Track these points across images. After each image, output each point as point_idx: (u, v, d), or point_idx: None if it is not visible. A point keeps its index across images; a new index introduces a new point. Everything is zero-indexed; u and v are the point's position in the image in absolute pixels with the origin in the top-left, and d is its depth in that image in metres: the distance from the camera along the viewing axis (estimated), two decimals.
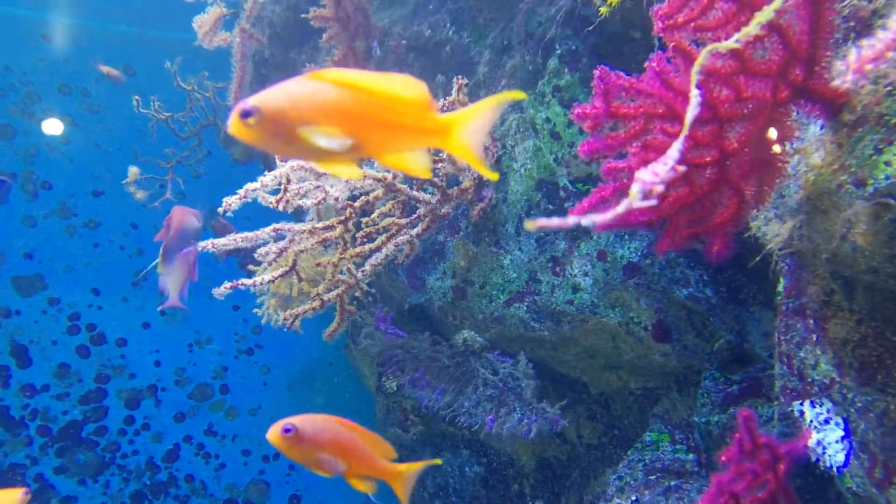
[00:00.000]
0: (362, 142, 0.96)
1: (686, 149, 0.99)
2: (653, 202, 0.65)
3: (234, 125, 0.90)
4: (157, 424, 4.75)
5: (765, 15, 0.73)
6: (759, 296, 1.88)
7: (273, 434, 1.35)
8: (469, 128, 0.99)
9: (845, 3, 0.91)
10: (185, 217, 2.36)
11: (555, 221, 0.66)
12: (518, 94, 1.04)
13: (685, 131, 0.71)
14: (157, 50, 4.60)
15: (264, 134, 0.91)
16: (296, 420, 1.37)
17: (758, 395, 1.83)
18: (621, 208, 0.67)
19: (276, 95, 0.91)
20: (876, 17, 0.88)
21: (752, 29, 0.74)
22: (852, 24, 0.91)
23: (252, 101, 0.90)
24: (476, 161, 1.01)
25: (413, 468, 1.49)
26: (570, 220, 0.67)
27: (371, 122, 0.94)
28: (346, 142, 0.94)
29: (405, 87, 0.95)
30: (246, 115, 0.88)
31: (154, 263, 2.55)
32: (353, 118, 0.93)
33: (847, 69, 0.74)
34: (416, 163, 1.02)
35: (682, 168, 0.66)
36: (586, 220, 0.67)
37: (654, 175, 0.68)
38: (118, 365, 4.74)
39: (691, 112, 0.71)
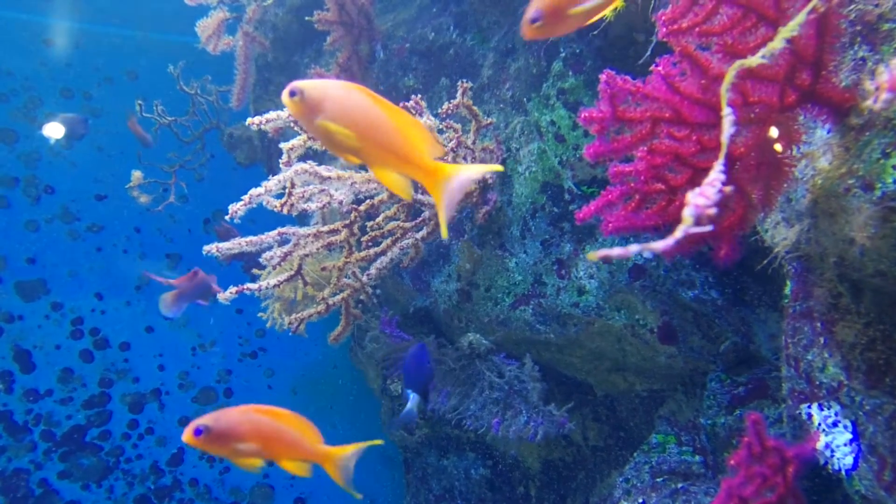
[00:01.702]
0: (365, 151, 1.17)
1: (695, 152, 0.99)
2: (708, 228, 0.64)
3: (284, 97, 1.14)
4: (161, 428, 4.75)
5: (789, 30, 0.73)
6: (765, 297, 1.88)
7: (187, 436, 1.33)
8: (453, 181, 1.16)
9: (851, 7, 0.91)
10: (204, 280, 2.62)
11: (616, 251, 0.64)
12: (497, 168, 1.27)
13: (724, 149, 0.71)
14: (160, 54, 4.60)
15: (300, 111, 1.14)
16: (208, 419, 1.35)
17: (764, 397, 1.83)
18: (679, 234, 0.65)
19: (318, 88, 1.14)
20: (882, 21, 0.88)
21: (777, 44, 0.74)
22: (858, 28, 0.91)
23: (300, 84, 1.13)
24: (443, 215, 1.19)
25: (345, 451, 1.48)
26: (633, 248, 0.65)
27: (379, 142, 1.15)
28: (353, 144, 1.15)
29: (421, 134, 1.17)
30: (293, 93, 1.12)
31: (163, 277, 2.66)
32: (367, 130, 1.14)
33: (879, 88, 0.74)
34: (400, 184, 1.22)
35: (729, 189, 0.65)
36: (648, 250, 0.66)
37: (705, 199, 0.67)
38: (122, 369, 4.74)
39: (726, 132, 0.70)
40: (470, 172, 1.19)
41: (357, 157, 1.19)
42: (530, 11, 1.21)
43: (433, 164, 1.16)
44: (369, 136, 1.15)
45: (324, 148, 1.82)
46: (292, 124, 1.82)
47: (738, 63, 0.82)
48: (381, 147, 1.16)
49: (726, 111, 0.76)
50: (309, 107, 1.13)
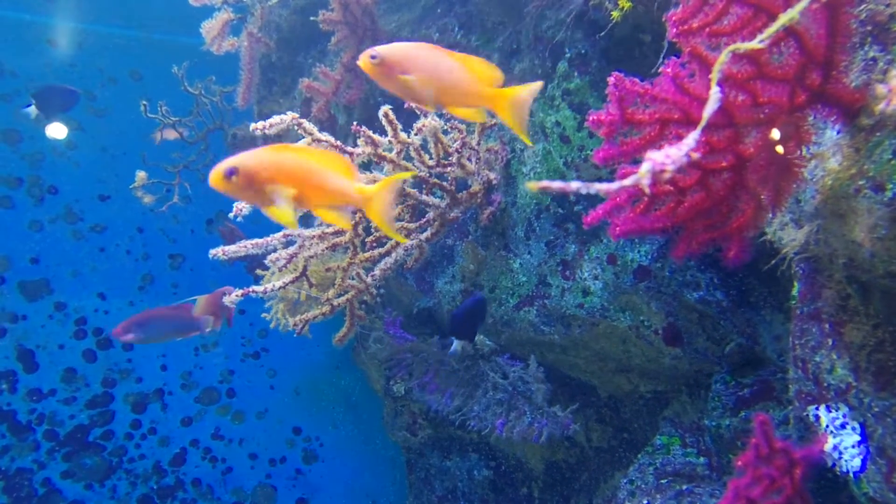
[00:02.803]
0: (305, 197, 1.30)
1: (704, 153, 0.99)
2: (646, 196, 0.65)
3: (216, 179, 1.21)
4: (164, 428, 4.76)
5: (789, 15, 0.72)
6: (770, 299, 1.87)
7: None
8: (384, 199, 1.34)
9: (862, 7, 0.91)
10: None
11: (556, 185, 0.65)
12: (407, 175, 1.69)
13: (704, 121, 0.71)
14: (164, 54, 4.59)
15: (238, 188, 1.23)
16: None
17: (769, 399, 1.82)
18: (629, 182, 0.66)
19: (250, 160, 1.25)
20: (894, 21, 0.88)
21: (774, 28, 0.74)
22: (869, 27, 0.91)
23: (232, 162, 1.23)
24: (388, 229, 1.38)
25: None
26: (573, 185, 0.66)
27: (312, 186, 1.29)
28: (292, 196, 1.28)
29: (341, 165, 1.33)
30: (229, 174, 1.20)
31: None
32: (301, 181, 1.28)
33: (892, 91, 0.74)
34: (341, 219, 1.38)
35: (696, 155, 0.65)
36: (591, 189, 0.66)
37: (666, 157, 0.67)
38: (125, 369, 4.75)
39: (711, 105, 0.70)
40: (391, 184, 1.36)
41: (299, 205, 1.31)
42: (374, 49, 1.37)
43: (364, 192, 1.32)
44: (304, 183, 1.28)
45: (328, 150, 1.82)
46: (296, 127, 1.82)
47: (732, 46, 0.82)
48: (317, 188, 1.30)
49: (714, 89, 0.76)
50: (247, 178, 1.24)
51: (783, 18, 0.73)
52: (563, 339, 2.25)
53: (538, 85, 1.39)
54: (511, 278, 2.30)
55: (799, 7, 0.73)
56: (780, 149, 0.97)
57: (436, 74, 1.36)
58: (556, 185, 0.65)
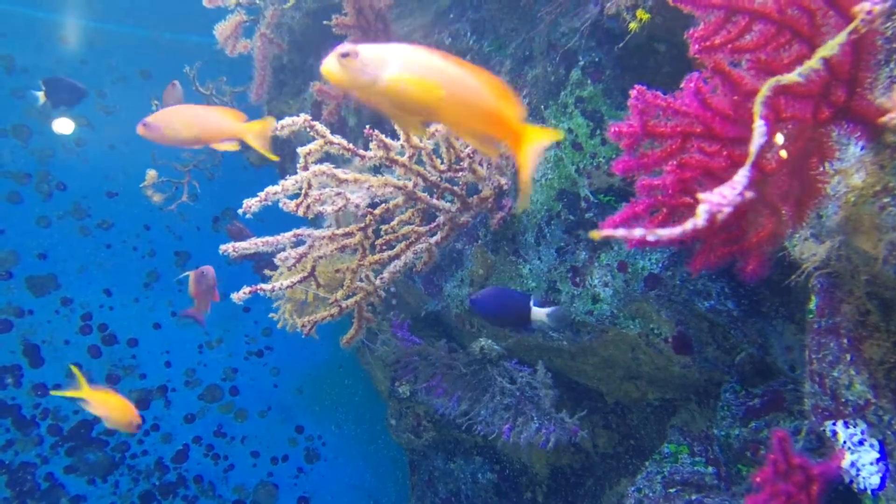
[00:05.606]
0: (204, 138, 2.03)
1: (725, 167, 0.99)
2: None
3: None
4: (167, 425, 4.77)
5: (828, 49, 0.72)
6: (782, 309, 1.87)
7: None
8: (263, 132, 2.04)
9: (888, 24, 0.90)
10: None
11: (620, 232, 0.66)
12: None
13: (751, 157, 0.71)
14: (174, 53, 4.61)
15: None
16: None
17: (779, 410, 1.82)
18: (689, 226, 0.67)
19: (163, 118, 2.00)
20: None
21: (815, 63, 0.74)
22: (895, 45, 0.91)
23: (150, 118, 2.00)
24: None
25: None
26: (636, 232, 0.67)
27: (208, 129, 2.04)
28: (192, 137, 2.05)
29: (231, 113, 2.04)
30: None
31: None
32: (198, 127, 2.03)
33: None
34: (231, 146, 2.05)
35: (749, 194, 0.65)
36: (652, 236, 0.67)
37: (721, 197, 0.68)
38: (129, 365, 4.76)
39: (756, 141, 0.71)
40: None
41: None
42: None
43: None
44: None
45: (340, 152, 1.82)
46: (308, 129, 1.82)
47: (773, 79, 0.82)
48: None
49: (758, 123, 0.76)
50: (155, 128, 2.01)
51: (823, 51, 0.73)
52: (571, 345, 2.24)
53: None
54: (520, 283, 2.30)
55: (839, 39, 0.73)
56: (784, 153, 0.96)
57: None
58: (620, 232, 0.66)
